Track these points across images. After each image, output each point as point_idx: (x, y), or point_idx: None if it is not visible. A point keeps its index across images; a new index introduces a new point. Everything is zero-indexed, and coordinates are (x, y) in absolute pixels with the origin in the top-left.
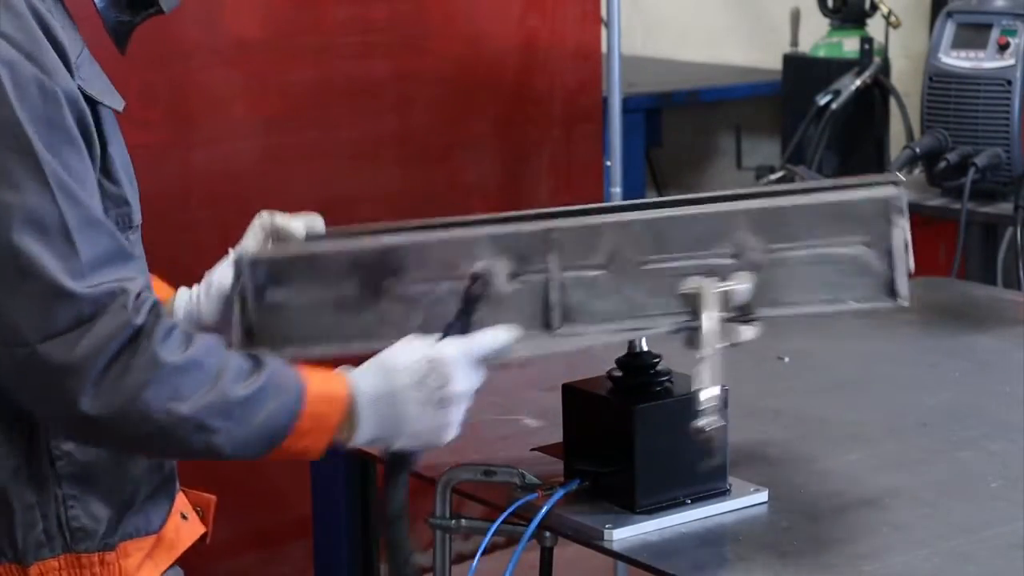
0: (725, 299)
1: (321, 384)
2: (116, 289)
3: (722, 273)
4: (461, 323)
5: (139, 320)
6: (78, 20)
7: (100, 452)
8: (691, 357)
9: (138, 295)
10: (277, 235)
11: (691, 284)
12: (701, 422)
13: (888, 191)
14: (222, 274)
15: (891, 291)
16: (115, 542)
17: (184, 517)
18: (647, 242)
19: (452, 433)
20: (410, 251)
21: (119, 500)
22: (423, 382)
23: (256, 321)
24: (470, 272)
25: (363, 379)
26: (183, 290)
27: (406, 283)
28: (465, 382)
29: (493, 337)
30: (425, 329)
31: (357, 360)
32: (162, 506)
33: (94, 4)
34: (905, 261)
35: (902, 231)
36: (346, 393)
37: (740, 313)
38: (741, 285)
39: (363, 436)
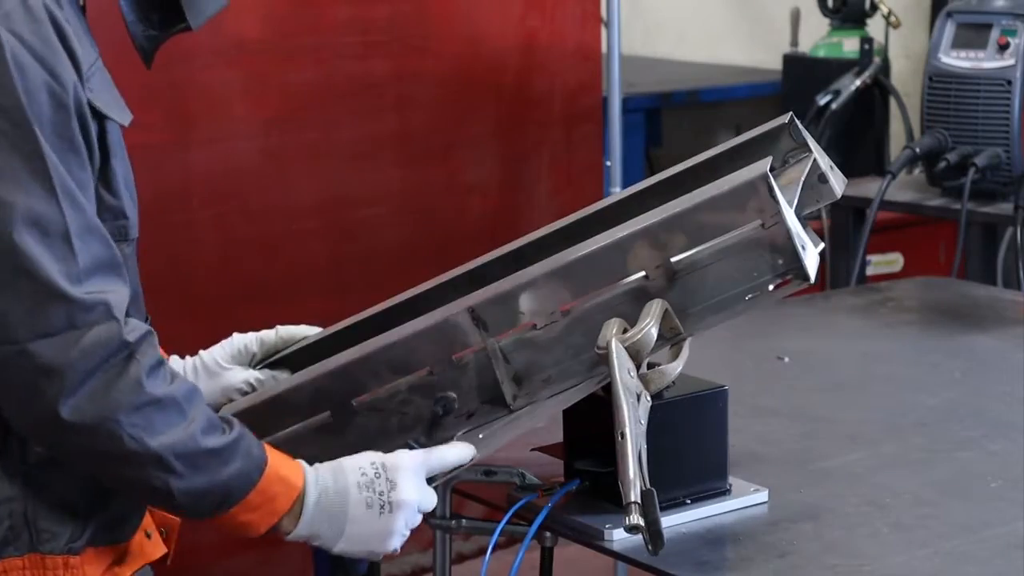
0: (636, 349)
1: (281, 465)
2: (107, 300)
3: (643, 295)
4: (423, 435)
5: (131, 338)
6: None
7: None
8: (696, 355)
9: (125, 313)
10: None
11: (599, 346)
12: (632, 520)
13: (759, 167)
14: (218, 358)
15: (798, 264)
16: (81, 547)
17: (148, 536)
18: (560, 290)
19: (394, 543)
20: (356, 365)
21: (89, 505)
22: (370, 485)
23: None
24: (435, 395)
25: (317, 474)
26: (175, 359)
27: (367, 393)
28: (413, 492)
29: (450, 453)
30: (403, 430)
31: None
32: (132, 517)
33: (123, 20)
34: (799, 230)
35: (787, 201)
36: (300, 483)
37: (665, 341)
38: (647, 330)
39: (302, 530)
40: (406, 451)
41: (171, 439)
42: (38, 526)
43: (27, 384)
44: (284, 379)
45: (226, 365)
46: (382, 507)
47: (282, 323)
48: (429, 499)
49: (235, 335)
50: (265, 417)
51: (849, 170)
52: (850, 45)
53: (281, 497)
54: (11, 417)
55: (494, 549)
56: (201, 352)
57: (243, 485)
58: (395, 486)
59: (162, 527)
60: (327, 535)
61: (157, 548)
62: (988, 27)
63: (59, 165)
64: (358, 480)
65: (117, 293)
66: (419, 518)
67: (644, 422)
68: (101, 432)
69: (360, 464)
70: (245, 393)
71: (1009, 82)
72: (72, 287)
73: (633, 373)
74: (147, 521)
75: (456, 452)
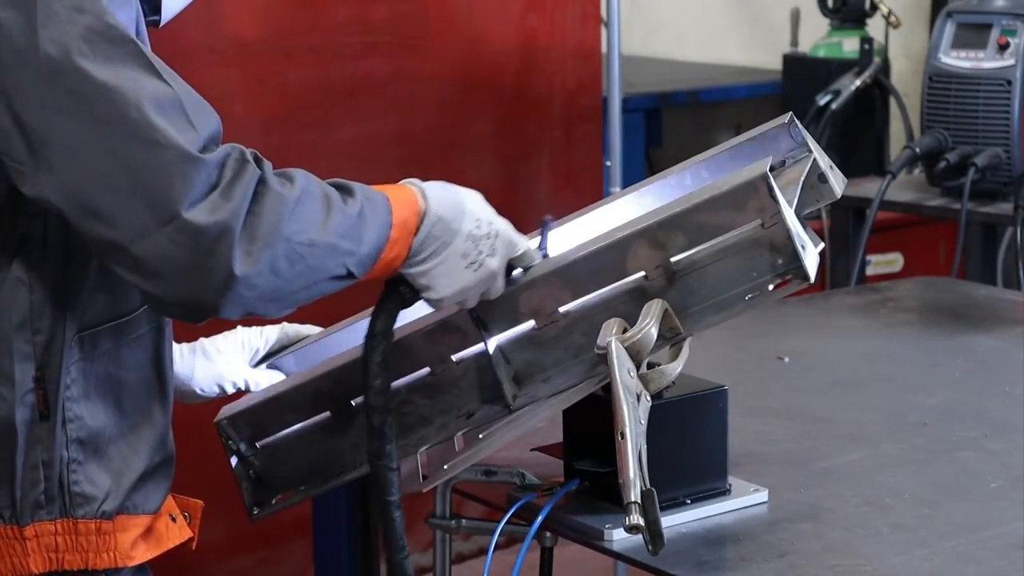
0: (636, 349)
1: (396, 191)
2: (229, 149)
3: (643, 295)
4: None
5: (260, 170)
6: None
7: (109, 419)
8: (696, 355)
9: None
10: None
11: (599, 346)
12: (632, 520)
13: (759, 167)
14: (218, 345)
15: (797, 264)
16: (113, 512)
17: (172, 519)
18: (560, 290)
19: (448, 294)
20: (356, 366)
21: (121, 471)
22: (477, 240)
23: (261, 468)
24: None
25: (434, 196)
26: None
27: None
28: (499, 266)
29: (530, 255)
30: (404, 430)
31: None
32: (161, 486)
33: None
34: (799, 229)
35: (787, 201)
36: (417, 202)
37: (665, 341)
38: (646, 330)
39: (414, 246)
40: (511, 226)
41: (330, 224)
42: (71, 491)
43: (201, 254)
44: (283, 380)
45: (225, 352)
46: (472, 263)
47: (286, 322)
48: (502, 276)
49: (239, 328)
50: (265, 417)
51: (849, 170)
52: (850, 45)
53: (409, 220)
54: (189, 306)
55: (495, 548)
56: (202, 339)
57: (386, 229)
58: (493, 253)
59: (185, 511)
60: (422, 256)
61: (183, 531)
62: (988, 27)
63: (154, 57)
64: (471, 230)
65: (235, 143)
66: (493, 290)
67: (644, 422)
68: (279, 259)
69: (480, 216)
70: (238, 388)
71: (1009, 82)
72: (200, 152)
73: (633, 373)
74: (171, 505)
75: (534, 256)
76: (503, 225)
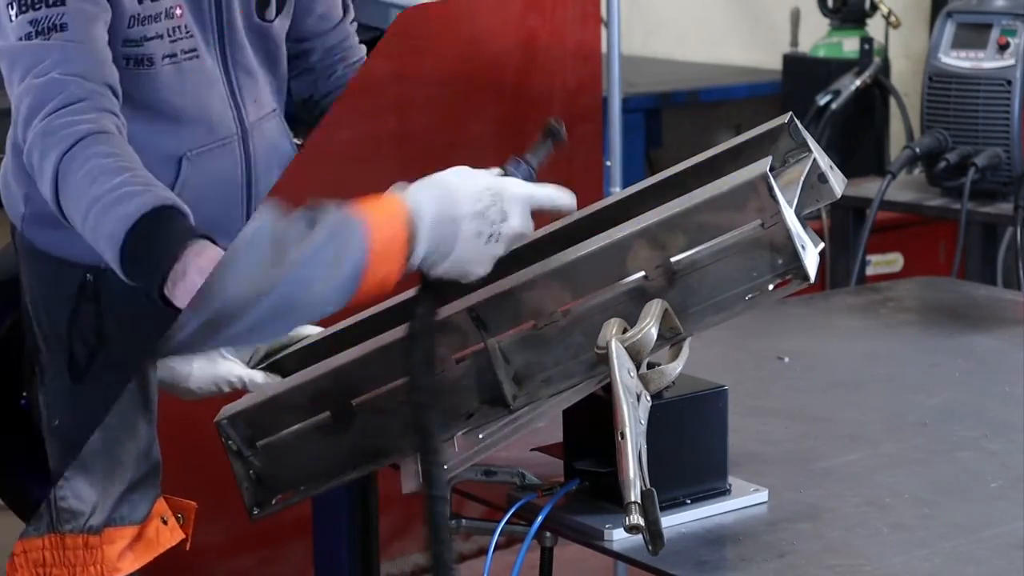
0: (636, 349)
1: (379, 211)
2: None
3: (643, 295)
4: (527, 167)
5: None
6: None
7: (94, 435)
8: (696, 355)
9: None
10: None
11: (599, 346)
12: (632, 520)
13: (759, 167)
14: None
15: (797, 264)
16: (100, 526)
17: (164, 522)
18: (560, 290)
19: (486, 269)
20: (355, 366)
21: (107, 484)
22: (483, 214)
23: (261, 468)
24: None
25: (422, 198)
26: None
27: (367, 394)
28: (521, 223)
29: (554, 194)
30: (403, 430)
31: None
32: (147, 496)
33: None
34: (799, 229)
35: (787, 201)
36: (405, 212)
37: (665, 341)
38: (647, 330)
39: (418, 255)
40: (515, 179)
41: (325, 286)
42: (58, 507)
43: None
44: (283, 380)
45: (225, 355)
46: (490, 236)
47: None
48: (530, 228)
49: None
50: (265, 417)
51: (849, 170)
52: (850, 45)
53: (398, 233)
54: None
55: (495, 548)
56: None
57: (361, 255)
58: (507, 216)
59: (178, 513)
60: (434, 258)
61: (174, 534)
62: (988, 27)
63: None
64: (471, 208)
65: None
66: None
67: (644, 422)
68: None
69: (473, 191)
70: (236, 387)
71: (1009, 82)
72: None
73: (633, 373)
74: (162, 507)
75: (560, 195)
76: (502, 186)
